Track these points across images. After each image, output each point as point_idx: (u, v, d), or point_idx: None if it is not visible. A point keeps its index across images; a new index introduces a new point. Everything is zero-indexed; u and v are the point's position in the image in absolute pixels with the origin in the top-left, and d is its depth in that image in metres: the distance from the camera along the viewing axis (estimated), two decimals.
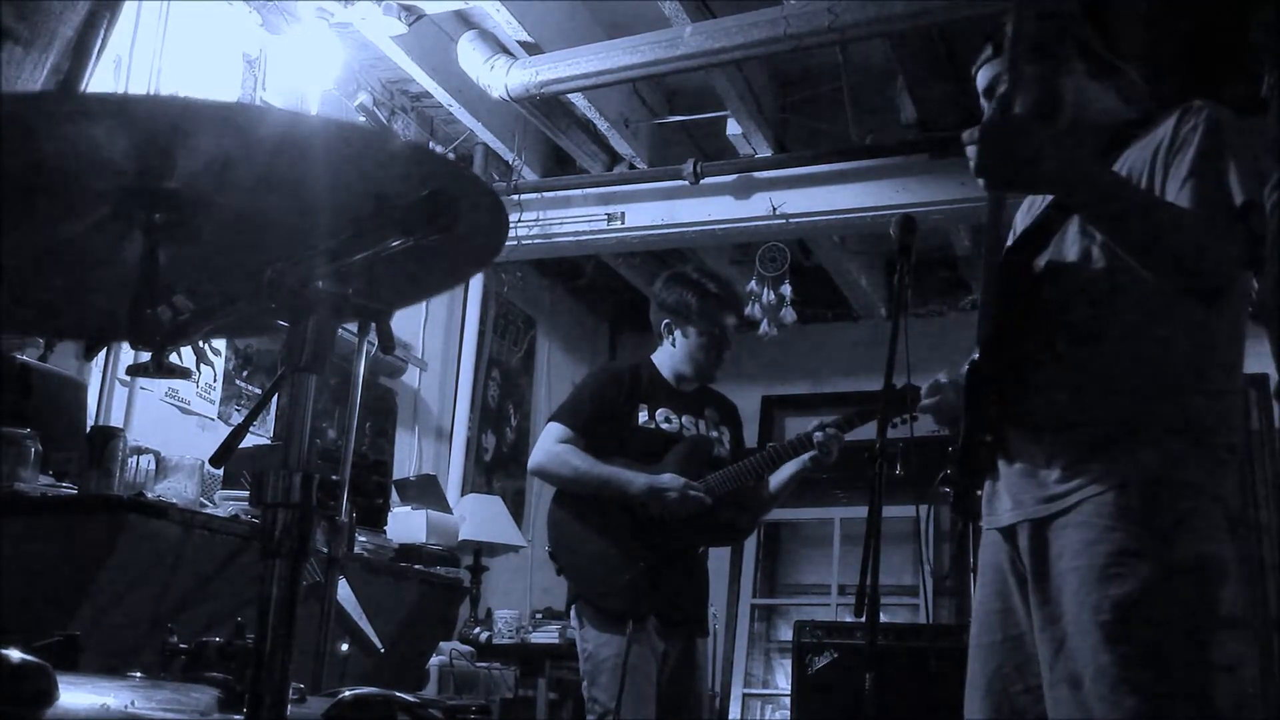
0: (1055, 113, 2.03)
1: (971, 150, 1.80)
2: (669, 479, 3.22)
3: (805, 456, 3.28)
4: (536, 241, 5.55)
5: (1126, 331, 1.90)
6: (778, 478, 3.38)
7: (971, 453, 2.00)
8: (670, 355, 3.45)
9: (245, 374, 4.46)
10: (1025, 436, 1.96)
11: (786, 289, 5.57)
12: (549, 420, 3.40)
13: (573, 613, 3.29)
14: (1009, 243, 2.09)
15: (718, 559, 3.51)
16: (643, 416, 3.35)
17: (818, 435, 3.25)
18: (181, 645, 1.34)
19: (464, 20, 4.68)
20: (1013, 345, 1.95)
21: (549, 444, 3.30)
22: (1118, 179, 1.90)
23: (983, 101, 2.11)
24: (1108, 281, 1.91)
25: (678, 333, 3.43)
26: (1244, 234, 1.78)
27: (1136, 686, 1.72)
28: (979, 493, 2.06)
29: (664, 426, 3.36)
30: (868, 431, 2.40)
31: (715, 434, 3.44)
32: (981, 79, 2.11)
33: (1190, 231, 1.79)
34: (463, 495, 5.53)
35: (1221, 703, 1.71)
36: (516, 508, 6.06)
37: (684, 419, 3.39)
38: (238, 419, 4.31)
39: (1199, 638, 1.77)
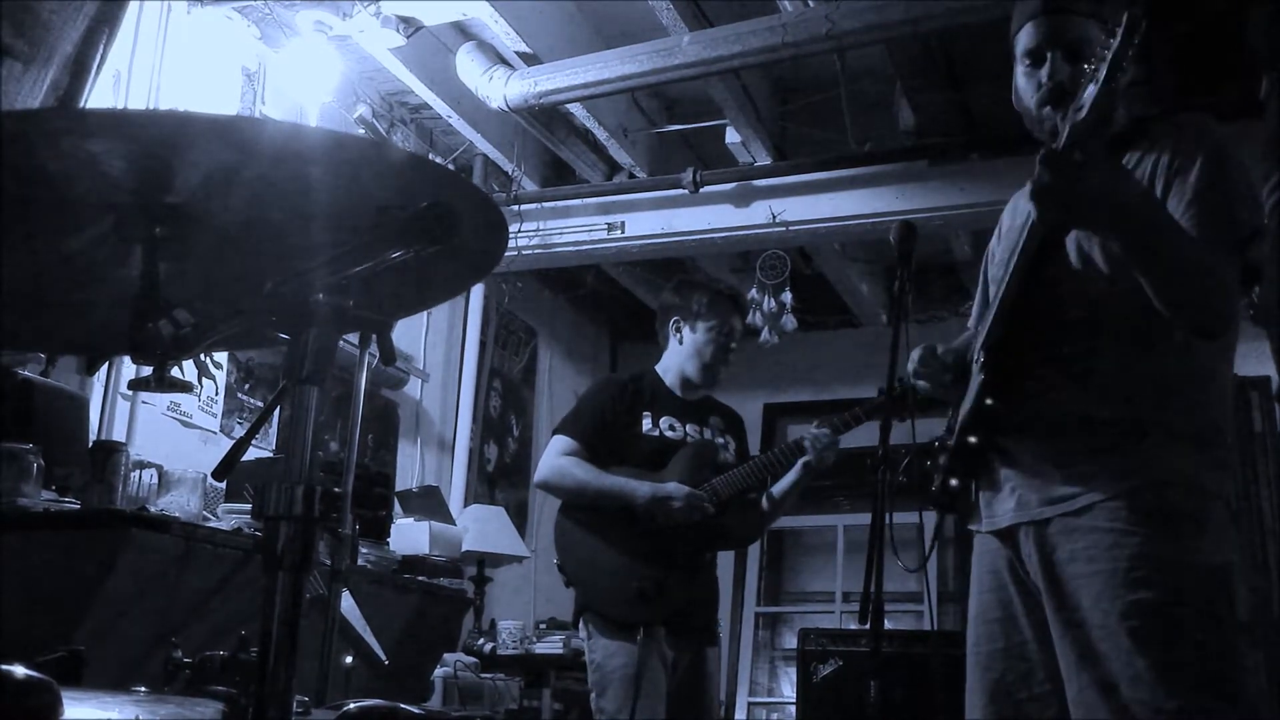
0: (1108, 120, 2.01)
1: (1042, 178, 1.71)
2: (673, 487, 3.22)
3: (799, 462, 3.30)
4: (537, 252, 5.55)
5: (1129, 336, 1.90)
6: (780, 486, 3.38)
7: (963, 449, 2.00)
8: (676, 356, 3.46)
9: (247, 387, 4.46)
10: (1029, 439, 1.96)
11: (787, 296, 5.58)
12: (553, 433, 3.41)
13: (581, 624, 3.28)
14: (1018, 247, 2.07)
15: (722, 568, 3.50)
16: (646, 424, 3.36)
17: (808, 439, 3.27)
18: (185, 659, 1.34)
19: (462, 32, 4.69)
20: (1018, 349, 1.95)
21: (552, 457, 3.31)
22: (1166, 218, 1.84)
23: (1020, 67, 2.01)
24: (1109, 287, 1.91)
25: (685, 329, 3.44)
26: (1242, 265, 1.81)
27: (1175, 689, 1.73)
28: (971, 488, 2.05)
29: (668, 434, 3.36)
30: (871, 438, 2.40)
31: (721, 440, 3.44)
32: (1025, 39, 2.00)
33: (1208, 277, 1.79)
34: (465, 506, 5.52)
35: (1251, 699, 1.72)
36: (519, 518, 6.04)
37: (688, 427, 3.40)
38: (240, 432, 4.31)
39: (1227, 637, 1.77)
